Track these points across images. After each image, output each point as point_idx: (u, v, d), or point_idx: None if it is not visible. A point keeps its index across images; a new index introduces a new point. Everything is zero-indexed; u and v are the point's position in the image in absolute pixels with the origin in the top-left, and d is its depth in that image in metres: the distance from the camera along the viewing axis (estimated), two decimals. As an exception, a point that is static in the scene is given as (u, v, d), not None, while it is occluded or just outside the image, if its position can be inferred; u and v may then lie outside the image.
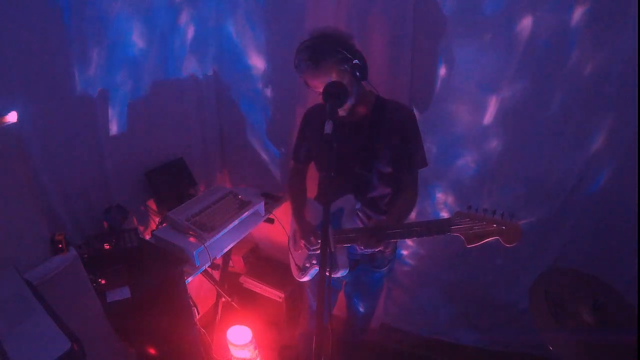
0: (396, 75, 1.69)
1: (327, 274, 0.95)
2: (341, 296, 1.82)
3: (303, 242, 1.50)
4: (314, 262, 1.54)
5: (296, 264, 1.63)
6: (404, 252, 2.13)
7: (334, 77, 1.25)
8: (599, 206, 1.68)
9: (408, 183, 1.48)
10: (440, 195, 1.92)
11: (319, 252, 1.47)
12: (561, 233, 1.80)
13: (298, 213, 1.57)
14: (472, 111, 1.69)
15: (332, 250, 1.45)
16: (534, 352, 2.07)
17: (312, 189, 1.72)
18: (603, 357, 1.19)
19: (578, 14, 1.40)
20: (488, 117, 1.67)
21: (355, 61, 1.27)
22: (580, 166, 1.64)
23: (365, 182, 1.45)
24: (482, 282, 2.04)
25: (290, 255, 1.68)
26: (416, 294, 2.23)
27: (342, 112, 1.35)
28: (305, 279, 1.61)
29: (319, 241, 1.43)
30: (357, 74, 1.30)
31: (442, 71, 1.65)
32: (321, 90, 1.27)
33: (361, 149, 1.41)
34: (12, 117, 1.05)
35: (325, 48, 1.24)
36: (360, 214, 1.52)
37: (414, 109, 1.75)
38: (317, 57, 1.24)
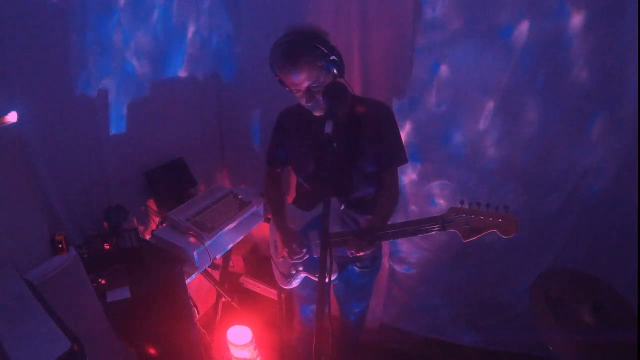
0: (396, 74, 1.69)
1: (327, 278, 0.93)
2: (332, 298, 1.80)
3: (285, 251, 1.43)
4: (300, 268, 1.49)
5: (280, 272, 1.57)
6: (404, 253, 2.13)
7: (311, 74, 1.21)
8: (599, 206, 1.68)
9: (390, 180, 1.44)
10: (439, 196, 1.92)
11: (302, 260, 1.42)
12: (561, 233, 1.80)
13: (279, 219, 1.51)
14: (472, 111, 1.69)
15: (316, 256, 1.39)
16: (534, 352, 2.07)
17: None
18: (603, 357, 1.19)
19: (577, 14, 1.40)
20: (487, 117, 1.67)
21: (332, 57, 1.23)
22: (580, 166, 1.64)
23: (348, 183, 1.41)
24: (482, 282, 2.04)
25: (272, 263, 1.62)
26: (416, 294, 2.23)
27: (318, 112, 1.31)
28: (291, 286, 1.55)
29: (303, 250, 1.40)
30: (334, 70, 1.25)
31: (442, 71, 1.65)
32: (297, 88, 1.25)
33: (343, 149, 1.36)
34: (12, 117, 1.05)
35: (301, 44, 1.20)
36: (344, 216, 1.47)
37: (414, 108, 1.75)
38: (294, 54, 1.19)
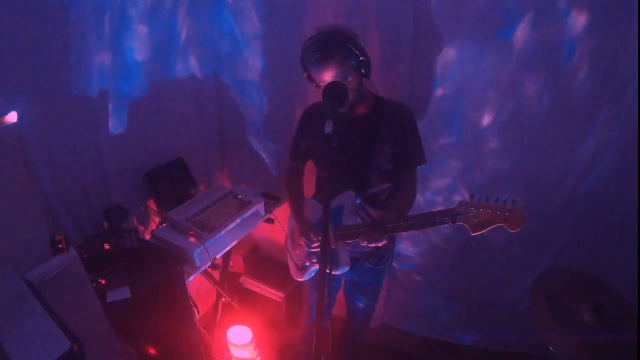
0: (396, 74, 1.69)
1: (328, 271, 0.94)
2: (340, 296, 1.82)
3: (303, 240, 1.50)
4: (314, 260, 1.54)
5: (295, 264, 1.62)
6: (404, 253, 2.13)
7: (342, 71, 1.26)
8: (599, 206, 1.68)
9: (407, 180, 1.49)
10: (438, 196, 1.92)
11: (319, 249, 1.47)
12: (561, 233, 1.80)
13: (297, 210, 1.58)
14: (472, 111, 1.69)
15: (333, 247, 1.44)
16: (534, 352, 2.08)
17: (310, 188, 1.72)
18: (603, 357, 1.19)
19: (577, 15, 1.40)
20: (487, 117, 1.67)
21: (362, 58, 1.29)
22: (580, 166, 1.64)
23: (365, 178, 1.46)
24: (482, 282, 2.04)
25: (288, 255, 1.68)
26: (416, 294, 2.23)
27: (342, 109, 1.35)
28: (305, 278, 1.61)
29: (319, 238, 1.44)
30: (362, 70, 1.31)
31: (442, 71, 1.65)
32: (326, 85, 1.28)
33: (361, 146, 1.43)
34: (12, 117, 1.05)
35: (335, 42, 1.26)
36: (360, 210, 1.51)
37: (413, 107, 1.75)
38: (327, 51, 1.25)
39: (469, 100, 1.67)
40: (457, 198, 1.87)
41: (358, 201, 1.48)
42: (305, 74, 1.36)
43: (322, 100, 1.31)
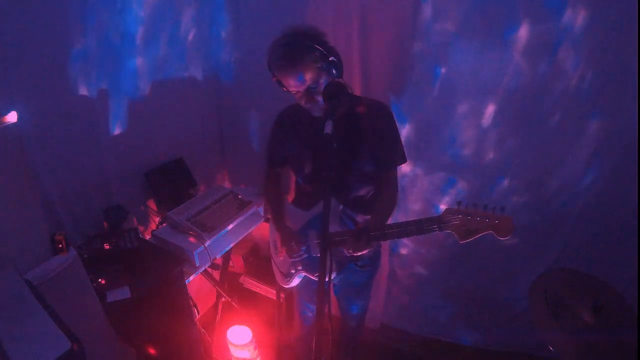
0: (396, 74, 1.69)
1: (327, 278, 0.93)
2: (334, 298, 1.80)
3: (285, 249, 1.44)
4: (299, 267, 1.50)
5: (280, 271, 1.58)
6: (405, 252, 2.13)
7: (311, 75, 1.21)
8: (599, 206, 1.68)
9: (388, 180, 1.44)
10: (437, 197, 1.92)
11: (301, 258, 1.43)
12: (561, 233, 1.80)
13: (278, 219, 1.52)
14: (472, 112, 1.69)
15: (316, 254, 1.40)
16: (534, 352, 2.07)
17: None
18: (603, 357, 1.19)
19: (577, 16, 1.40)
20: (488, 118, 1.67)
21: (331, 58, 1.22)
22: (580, 166, 1.64)
23: (346, 182, 1.41)
24: (482, 282, 2.04)
25: (272, 262, 1.64)
26: (416, 294, 2.23)
27: (317, 112, 1.30)
28: (291, 285, 1.57)
29: (302, 248, 1.41)
30: (333, 71, 1.25)
31: (442, 71, 1.65)
32: (296, 89, 1.24)
33: (341, 149, 1.32)
34: (12, 117, 1.05)
35: (300, 45, 1.19)
36: (343, 215, 1.46)
37: (413, 108, 1.75)
38: (292, 55, 1.19)
39: (469, 101, 1.67)
40: (458, 198, 1.88)
41: (340, 207, 1.43)
42: (274, 78, 1.29)
43: (296, 102, 1.29)
